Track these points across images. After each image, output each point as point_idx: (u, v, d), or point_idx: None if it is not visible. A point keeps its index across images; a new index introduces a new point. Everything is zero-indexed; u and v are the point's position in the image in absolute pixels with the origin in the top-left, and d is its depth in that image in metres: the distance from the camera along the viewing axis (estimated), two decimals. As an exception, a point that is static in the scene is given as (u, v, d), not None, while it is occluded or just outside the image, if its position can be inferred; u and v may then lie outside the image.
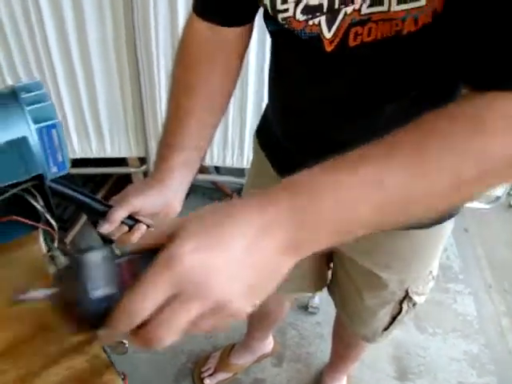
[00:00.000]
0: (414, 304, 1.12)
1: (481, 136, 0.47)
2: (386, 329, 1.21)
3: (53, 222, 0.64)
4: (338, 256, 1.16)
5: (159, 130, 1.95)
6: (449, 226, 0.98)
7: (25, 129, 0.64)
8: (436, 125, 0.49)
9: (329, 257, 1.22)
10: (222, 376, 1.78)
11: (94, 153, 1.99)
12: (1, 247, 0.71)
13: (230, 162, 2.01)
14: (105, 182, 2.29)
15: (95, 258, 0.44)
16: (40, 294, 0.46)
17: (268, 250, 0.45)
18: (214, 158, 1.99)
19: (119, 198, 0.77)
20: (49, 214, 0.63)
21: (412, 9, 0.58)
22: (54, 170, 0.68)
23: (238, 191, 2.35)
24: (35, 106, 0.65)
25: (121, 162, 2.17)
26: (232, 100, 1.74)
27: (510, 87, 0.49)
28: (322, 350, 1.87)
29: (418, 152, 0.47)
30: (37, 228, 0.66)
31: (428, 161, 0.47)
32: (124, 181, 2.34)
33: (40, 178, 0.60)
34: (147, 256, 0.44)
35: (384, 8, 0.60)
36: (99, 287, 0.43)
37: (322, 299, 1.95)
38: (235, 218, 0.45)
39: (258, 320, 1.64)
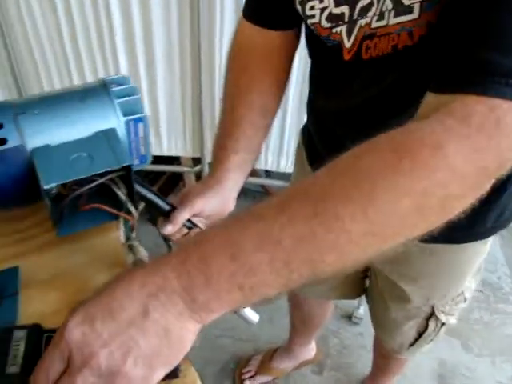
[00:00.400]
0: (443, 324, 1.11)
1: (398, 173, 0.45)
2: (412, 344, 1.19)
3: (134, 212, 0.66)
4: (370, 265, 1.17)
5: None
6: (481, 246, 0.95)
7: (114, 120, 0.66)
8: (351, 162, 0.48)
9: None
10: (262, 379, 1.79)
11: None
12: (78, 234, 0.74)
13: (285, 167, 2.02)
14: (157, 179, 2.33)
15: (20, 335, 0.54)
16: None
17: (164, 314, 0.44)
18: (268, 163, 2.01)
19: (182, 199, 0.79)
20: (131, 205, 0.65)
21: (406, 22, 0.60)
22: (136, 162, 0.71)
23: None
24: (124, 99, 0.67)
25: (172, 160, 2.20)
26: (290, 104, 1.76)
27: (461, 89, 0.48)
28: (363, 361, 1.85)
29: (322, 198, 0.45)
30: (116, 218, 0.68)
31: (330, 208, 0.44)
32: (174, 180, 2.37)
33: (128, 168, 0.62)
34: None
35: (384, 22, 0.62)
36: (13, 365, 0.51)
37: (366, 310, 1.93)
38: (122, 289, 0.45)
39: (301, 324, 1.64)
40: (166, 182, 2.37)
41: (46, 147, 0.63)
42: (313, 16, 0.72)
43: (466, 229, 0.61)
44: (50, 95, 0.67)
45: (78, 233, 0.73)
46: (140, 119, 0.68)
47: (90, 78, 1.87)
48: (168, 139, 2.00)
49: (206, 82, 1.82)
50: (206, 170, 2.06)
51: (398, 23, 0.61)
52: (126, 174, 0.63)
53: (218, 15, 1.66)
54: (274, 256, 0.44)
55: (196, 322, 0.46)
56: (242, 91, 0.86)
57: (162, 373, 0.45)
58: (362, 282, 1.29)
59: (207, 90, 1.84)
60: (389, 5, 0.61)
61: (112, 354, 0.43)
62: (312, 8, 0.71)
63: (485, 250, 0.99)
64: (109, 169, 0.61)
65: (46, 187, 0.58)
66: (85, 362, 0.43)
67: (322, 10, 0.70)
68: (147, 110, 1.91)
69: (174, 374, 0.56)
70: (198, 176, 2.18)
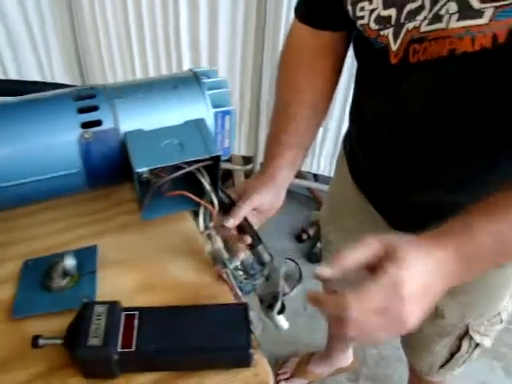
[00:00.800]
0: (477, 345, 1.06)
1: None
2: (442, 366, 1.13)
3: (216, 202, 0.67)
4: None
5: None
6: None
7: (204, 111, 0.68)
8: None
9: None
10: (297, 382, 1.78)
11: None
12: (153, 220, 0.76)
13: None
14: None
15: (100, 309, 0.58)
16: (56, 340, 0.58)
17: (439, 281, 0.58)
18: (320, 167, 2.01)
19: (240, 195, 0.80)
20: (214, 194, 0.66)
21: (472, 26, 0.57)
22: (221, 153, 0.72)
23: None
24: (215, 91, 0.69)
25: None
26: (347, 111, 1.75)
27: None
28: (400, 374, 1.83)
29: None
30: (197, 206, 0.69)
31: None
32: (223, 177, 2.40)
33: (216, 159, 0.63)
34: (144, 313, 0.59)
35: (442, 25, 0.60)
36: (95, 337, 0.55)
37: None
38: (429, 253, 0.57)
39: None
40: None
41: (139, 131, 0.65)
42: (362, 17, 0.72)
43: None
44: (143, 82, 0.69)
45: (154, 219, 0.75)
46: (228, 112, 0.69)
47: (152, 74, 1.91)
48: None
49: (265, 84, 1.84)
50: (257, 168, 2.08)
51: (463, 27, 0.59)
52: (213, 165, 0.65)
53: (284, 17, 1.68)
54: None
55: (448, 286, 0.59)
56: (294, 90, 0.87)
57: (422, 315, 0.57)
58: None
59: (266, 90, 1.85)
60: (452, 7, 0.59)
61: (413, 306, 0.55)
62: (362, 9, 0.71)
63: None
64: (199, 158, 0.62)
65: (138, 170, 0.60)
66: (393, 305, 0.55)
67: (371, 11, 0.70)
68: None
69: (246, 362, 0.57)
70: (247, 174, 2.20)
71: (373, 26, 0.71)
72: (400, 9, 0.65)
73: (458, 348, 1.07)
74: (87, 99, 0.64)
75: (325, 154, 1.98)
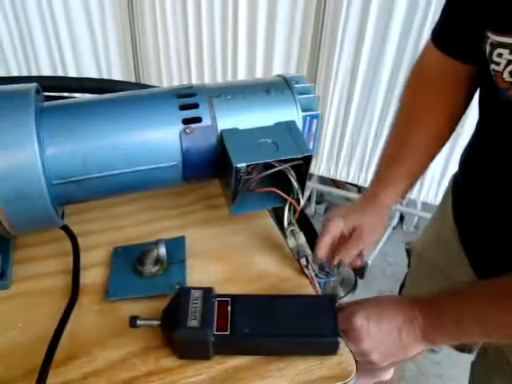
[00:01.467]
0: None
1: None
2: None
3: (302, 200, 0.71)
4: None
5: (321, 147, 2.04)
6: None
7: (294, 114, 0.72)
8: None
9: None
10: (336, 391, 1.79)
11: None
12: (235, 217, 0.80)
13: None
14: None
15: (197, 294, 0.62)
16: (153, 321, 0.62)
17: (409, 337, 0.66)
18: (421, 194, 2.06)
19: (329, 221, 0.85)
20: (301, 192, 0.70)
21: None
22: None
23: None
24: (304, 96, 0.73)
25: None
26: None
27: None
28: (439, 391, 1.83)
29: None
30: (283, 203, 0.73)
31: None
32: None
33: (307, 158, 0.66)
34: (236, 300, 0.63)
35: None
36: (194, 319, 0.59)
37: (446, 341, 1.91)
38: (390, 309, 0.67)
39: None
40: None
41: (235, 130, 0.69)
42: (498, 63, 0.68)
43: None
44: (238, 84, 0.74)
45: (236, 215, 0.79)
46: (315, 116, 0.73)
47: (208, 80, 1.97)
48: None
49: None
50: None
51: None
52: (301, 164, 0.68)
53: (340, 31, 1.73)
54: (484, 330, 0.65)
55: (423, 346, 0.67)
56: (417, 113, 0.87)
57: (387, 364, 0.68)
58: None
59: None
60: None
61: (369, 343, 0.65)
62: (500, 55, 0.67)
63: None
64: (293, 156, 0.66)
65: (237, 165, 0.64)
66: (355, 340, 0.65)
67: (509, 62, 0.65)
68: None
69: (333, 350, 0.60)
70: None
71: (506, 76, 0.66)
72: None
73: None
74: (188, 97, 0.69)
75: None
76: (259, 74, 1.91)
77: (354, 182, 2.12)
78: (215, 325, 0.60)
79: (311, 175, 2.26)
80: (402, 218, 2.36)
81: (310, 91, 0.74)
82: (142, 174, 0.67)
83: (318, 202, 2.46)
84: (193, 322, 0.59)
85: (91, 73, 2.05)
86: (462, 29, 0.77)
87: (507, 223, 0.78)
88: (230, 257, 0.75)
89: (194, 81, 1.98)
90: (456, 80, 0.84)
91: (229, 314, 0.61)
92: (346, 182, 2.24)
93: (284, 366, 0.62)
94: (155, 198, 0.83)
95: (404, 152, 0.86)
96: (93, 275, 0.72)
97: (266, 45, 1.85)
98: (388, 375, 1.81)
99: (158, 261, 0.70)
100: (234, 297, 0.63)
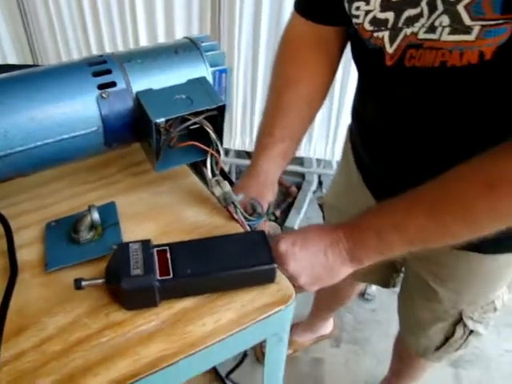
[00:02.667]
0: (471, 332, 1.09)
1: (486, 199, 0.62)
2: (437, 349, 1.17)
3: (221, 151, 0.75)
4: (405, 260, 1.19)
5: (233, 121, 2.09)
6: None
7: (203, 70, 0.76)
8: (451, 186, 0.65)
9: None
10: (282, 352, 1.86)
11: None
12: (159, 179, 0.83)
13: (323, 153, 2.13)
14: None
15: (135, 247, 0.65)
16: (98, 280, 0.64)
17: (335, 258, 0.71)
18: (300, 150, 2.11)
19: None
20: (219, 143, 0.74)
21: (461, 41, 0.60)
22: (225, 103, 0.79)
23: (297, 185, 2.46)
24: (211, 52, 0.77)
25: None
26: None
27: None
28: (378, 335, 1.95)
29: (433, 208, 0.66)
30: (204, 156, 0.76)
31: (440, 215, 0.65)
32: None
33: (222, 109, 0.71)
34: (174, 247, 0.66)
35: (435, 36, 0.62)
36: (136, 268, 0.62)
37: (378, 288, 2.03)
38: (314, 233, 0.74)
39: (326, 301, 1.74)
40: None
41: (149, 90, 0.72)
42: (357, 16, 0.73)
43: (496, 241, 0.67)
44: (147, 48, 0.76)
45: (160, 177, 0.82)
46: (224, 70, 0.77)
47: (108, 49, 1.95)
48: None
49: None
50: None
51: (453, 41, 0.61)
52: (217, 115, 0.72)
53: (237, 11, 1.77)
54: (403, 238, 0.68)
55: (350, 268, 0.73)
56: (290, 82, 0.88)
57: (316, 288, 0.74)
58: (395, 275, 1.30)
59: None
60: (445, 21, 0.60)
61: (296, 266, 0.70)
62: (357, 8, 0.72)
63: None
64: (207, 107, 0.70)
65: (156, 121, 0.67)
66: (281, 264, 0.70)
67: (367, 12, 0.71)
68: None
69: (271, 277, 0.65)
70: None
71: (367, 26, 0.72)
72: (398, 13, 0.66)
73: (452, 333, 1.11)
74: (99, 65, 0.71)
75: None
76: (162, 39, 1.90)
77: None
78: (158, 271, 0.63)
79: (228, 151, 2.31)
80: (320, 181, 2.46)
81: (216, 48, 0.78)
82: (64, 143, 0.69)
83: (238, 178, 2.51)
84: (136, 271, 0.62)
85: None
86: None
87: (401, 162, 0.86)
88: (162, 215, 0.78)
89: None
90: (324, 44, 0.89)
91: (169, 260, 0.65)
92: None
93: (229, 301, 0.66)
94: (79, 174, 0.84)
95: (278, 118, 0.88)
96: (30, 252, 0.73)
97: (165, 9, 1.84)
98: (329, 328, 1.91)
99: (92, 226, 0.72)
100: (171, 245, 0.67)
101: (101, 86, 0.70)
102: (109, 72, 0.70)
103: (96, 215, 0.71)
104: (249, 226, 0.76)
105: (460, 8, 0.58)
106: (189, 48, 0.76)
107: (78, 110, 0.68)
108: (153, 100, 0.70)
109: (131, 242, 0.66)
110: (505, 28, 0.57)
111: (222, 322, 0.63)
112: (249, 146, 2.17)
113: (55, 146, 0.69)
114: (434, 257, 1.00)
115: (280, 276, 0.68)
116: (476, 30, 0.58)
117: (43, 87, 0.68)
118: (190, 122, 0.71)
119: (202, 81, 0.74)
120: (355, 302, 2.05)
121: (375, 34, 0.72)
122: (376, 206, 0.77)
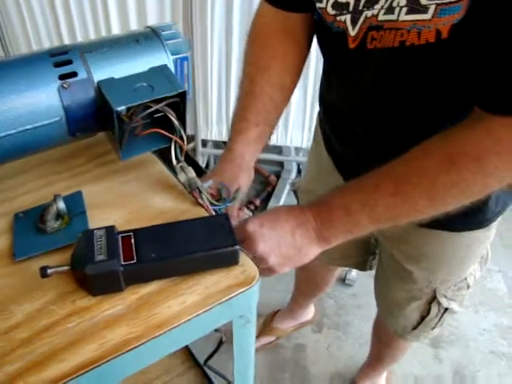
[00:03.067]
0: (446, 310, 1.11)
1: (449, 174, 0.64)
2: (414, 328, 1.19)
3: (185, 137, 0.76)
4: (378, 242, 1.22)
5: (209, 111, 2.09)
6: (482, 235, 0.97)
7: (165, 59, 0.77)
8: (416, 162, 0.67)
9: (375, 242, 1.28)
10: (265, 340, 1.89)
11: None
12: (127, 168, 0.84)
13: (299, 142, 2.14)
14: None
15: (99, 233, 0.66)
16: (63, 267, 0.65)
17: (303, 239, 0.72)
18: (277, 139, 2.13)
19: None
20: (183, 130, 0.75)
21: (418, 20, 0.62)
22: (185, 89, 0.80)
23: (276, 174, 2.47)
24: (172, 41, 0.78)
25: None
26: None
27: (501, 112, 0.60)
28: (359, 319, 1.98)
29: (399, 184, 0.68)
30: (168, 143, 0.77)
31: (405, 191, 0.67)
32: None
33: (182, 95, 0.72)
34: (138, 233, 0.67)
35: (394, 17, 0.64)
36: (100, 254, 0.63)
37: (358, 273, 2.06)
38: (282, 215, 0.75)
39: (306, 287, 1.76)
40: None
41: (111, 79, 0.72)
42: (321, 1, 0.75)
43: (463, 218, 0.70)
44: (109, 38, 0.77)
45: (127, 167, 0.83)
46: (185, 58, 0.78)
47: (80, 39, 1.93)
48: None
49: (198, 65, 1.93)
50: (200, 146, 2.17)
51: (411, 20, 0.62)
52: (179, 102, 0.73)
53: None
54: (371, 215, 0.70)
55: (318, 248, 0.74)
56: (261, 69, 0.90)
57: (286, 270, 0.75)
58: (371, 258, 1.33)
59: (199, 72, 1.95)
60: (402, 1, 0.62)
61: (264, 247, 0.72)
62: None
63: (487, 238, 0.99)
64: (168, 94, 0.71)
65: (117, 109, 0.68)
66: (250, 245, 0.71)
67: None
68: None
69: (235, 259, 0.67)
70: (194, 151, 2.27)
71: (330, 10, 0.74)
72: None
73: (428, 312, 1.13)
74: (61, 55, 0.71)
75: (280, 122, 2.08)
76: (134, 28, 1.89)
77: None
78: (122, 256, 0.64)
79: (205, 142, 2.31)
80: (299, 170, 2.48)
81: (178, 36, 0.79)
82: (28, 133, 0.70)
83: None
84: (100, 257, 0.63)
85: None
86: None
87: (368, 144, 0.88)
88: (128, 203, 0.79)
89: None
90: (293, 30, 0.91)
91: (133, 245, 0.66)
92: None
93: (193, 284, 0.67)
94: (47, 165, 0.85)
95: (252, 104, 0.90)
96: (-3, 245, 0.73)
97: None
98: (310, 314, 1.93)
99: (58, 216, 0.73)
100: (135, 231, 0.68)
101: (62, 77, 0.70)
102: (70, 62, 0.71)
103: (62, 204, 0.72)
104: (214, 210, 0.77)
105: None
106: (150, 37, 0.77)
107: (40, 101, 0.69)
108: (114, 89, 0.71)
109: (96, 229, 0.67)
110: (459, 6, 0.59)
111: (186, 304, 0.65)
112: (226, 136, 2.17)
113: (18, 137, 0.69)
114: (405, 237, 1.02)
115: (244, 258, 0.70)
116: (432, 8, 0.60)
117: (4, 78, 0.68)
118: (151, 109, 0.72)
119: (163, 69, 0.75)
120: (336, 287, 2.08)
121: (338, 18, 0.74)
122: (344, 184, 0.78)
